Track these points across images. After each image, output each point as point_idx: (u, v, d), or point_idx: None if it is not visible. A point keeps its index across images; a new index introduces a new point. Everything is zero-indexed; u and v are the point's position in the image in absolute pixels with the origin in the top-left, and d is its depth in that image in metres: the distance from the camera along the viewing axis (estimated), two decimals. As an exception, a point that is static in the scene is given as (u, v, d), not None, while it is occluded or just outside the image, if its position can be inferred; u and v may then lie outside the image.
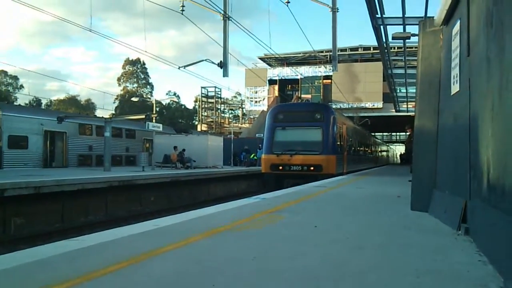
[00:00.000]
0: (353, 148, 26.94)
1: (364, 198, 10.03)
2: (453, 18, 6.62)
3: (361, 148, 32.17)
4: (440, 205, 6.65)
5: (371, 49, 52.65)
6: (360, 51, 56.14)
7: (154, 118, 32.24)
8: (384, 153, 57.00)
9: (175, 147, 27.77)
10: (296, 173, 19.01)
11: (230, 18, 17.10)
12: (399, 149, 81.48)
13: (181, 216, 6.61)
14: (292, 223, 6.22)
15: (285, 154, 19.44)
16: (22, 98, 68.59)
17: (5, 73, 72.48)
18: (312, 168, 18.94)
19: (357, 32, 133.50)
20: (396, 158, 76.18)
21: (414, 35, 13.94)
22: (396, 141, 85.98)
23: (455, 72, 6.18)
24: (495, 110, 4.08)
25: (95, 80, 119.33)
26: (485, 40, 4.52)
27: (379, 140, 54.30)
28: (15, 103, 60.24)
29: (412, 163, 8.46)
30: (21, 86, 74.27)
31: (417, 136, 8.00)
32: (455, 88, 6.16)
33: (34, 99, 70.87)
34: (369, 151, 38.22)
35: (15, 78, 73.61)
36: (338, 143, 20.90)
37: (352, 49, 56.47)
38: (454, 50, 6.29)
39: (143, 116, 28.25)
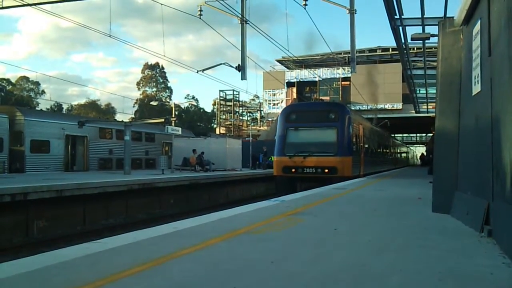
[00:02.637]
0: (370, 149, 25.92)
1: (384, 200, 9.94)
2: (473, 18, 6.53)
3: (379, 149, 30.95)
4: (462, 207, 6.55)
5: (390, 50, 52.21)
6: (379, 52, 55.72)
7: (173, 121, 32.47)
8: (404, 155, 56.30)
9: (194, 150, 27.90)
10: (309, 176, 18.15)
11: (248, 22, 17.12)
12: (420, 150, 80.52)
13: (200, 219, 6.63)
14: (312, 226, 6.19)
15: (298, 156, 18.46)
16: (43, 104, 69.80)
17: (26, 78, 73.78)
18: (326, 170, 18.02)
19: (376, 33, 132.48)
20: (416, 159, 75.26)
21: (433, 35, 13.79)
22: (416, 142, 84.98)
23: (476, 72, 6.09)
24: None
25: (114, 85, 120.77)
26: (507, 39, 4.44)
27: (398, 141, 53.66)
28: (36, 108, 61.28)
29: (433, 164, 8.34)
30: (43, 92, 75.53)
31: (438, 137, 7.90)
32: (476, 88, 6.07)
33: (56, 104, 71.99)
34: (387, 152, 36.92)
35: (37, 83, 74.85)
36: (354, 144, 19.92)
37: (370, 50, 56.09)
38: (475, 50, 6.20)
39: (163, 120, 28.47)
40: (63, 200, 14.89)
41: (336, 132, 18.51)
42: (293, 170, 18.48)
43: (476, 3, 6.27)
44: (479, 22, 5.96)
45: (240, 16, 17.25)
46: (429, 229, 5.91)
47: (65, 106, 77.12)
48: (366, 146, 23.87)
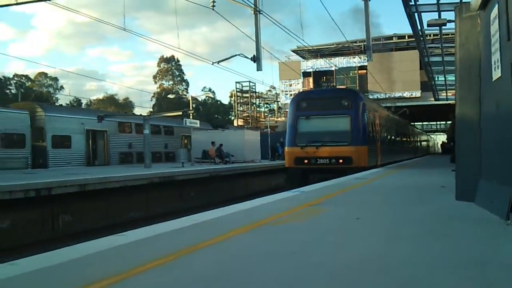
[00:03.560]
0: (388, 138, 24.83)
1: (406, 189, 9.90)
2: (490, 2, 6.42)
3: (397, 138, 29.76)
4: (487, 195, 6.50)
5: (406, 37, 51.50)
6: (395, 39, 55.00)
7: (191, 114, 32.64)
8: (424, 143, 55.62)
9: (212, 143, 28.06)
10: (323, 167, 17.20)
11: (261, 12, 17.07)
12: (440, 138, 79.59)
13: (219, 211, 6.70)
14: (334, 216, 6.22)
15: (310, 146, 17.50)
16: (62, 99, 70.70)
17: (45, 74, 74.79)
18: (341, 160, 17.08)
19: (391, 21, 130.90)
20: (437, 147, 74.41)
21: (450, 21, 13.62)
22: (437, 130, 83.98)
23: (495, 57, 6.01)
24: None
25: (131, 79, 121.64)
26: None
27: (418, 130, 53.00)
28: (56, 104, 62.13)
29: (455, 152, 8.27)
30: (61, 87, 76.59)
31: (459, 125, 7.82)
32: (496, 74, 5.99)
33: (75, 99, 72.85)
34: (406, 140, 35.75)
35: (55, 79, 75.86)
36: (370, 132, 18.90)
37: (386, 38, 55.39)
38: (493, 34, 6.11)
39: (181, 113, 28.66)
40: (87, 194, 15.16)
41: (350, 120, 17.61)
42: (306, 161, 17.63)
43: (495, -13, 6.17)
44: (496, 6, 5.87)
45: (253, 6, 17.19)
46: (453, 217, 5.89)
47: (84, 101, 78.04)
48: (383, 134, 22.95)
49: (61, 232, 14.14)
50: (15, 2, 20.40)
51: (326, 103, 18.55)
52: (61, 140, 25.43)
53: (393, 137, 27.48)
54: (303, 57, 59.89)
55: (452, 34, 12.93)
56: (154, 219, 15.97)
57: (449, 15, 13.38)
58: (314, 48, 49.95)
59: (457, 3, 12.01)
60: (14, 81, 70.68)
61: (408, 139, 37.57)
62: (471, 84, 7.38)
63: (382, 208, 6.96)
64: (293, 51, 60.16)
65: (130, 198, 17.28)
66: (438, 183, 10.56)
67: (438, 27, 15.58)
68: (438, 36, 19.68)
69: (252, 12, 17.94)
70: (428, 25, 14.70)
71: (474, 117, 7.27)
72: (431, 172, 16.35)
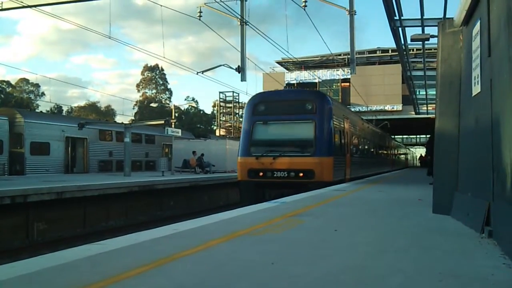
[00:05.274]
0: (360, 149, 22.51)
1: (384, 202, 9.95)
2: (473, 18, 6.54)
3: (372, 149, 27.46)
4: (463, 208, 6.56)
5: (390, 51, 52.23)
6: (379, 53, 55.74)
7: (173, 123, 32.48)
8: (402, 156, 56.08)
9: (193, 152, 27.92)
10: (280, 181, 14.97)
11: (247, 23, 17.16)
12: (419, 151, 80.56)
13: (200, 221, 6.63)
14: (312, 227, 6.19)
15: (266, 156, 15.22)
16: (43, 106, 69.80)
17: (26, 80, 73.83)
18: (301, 174, 14.89)
19: (375, 35, 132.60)
20: (416, 161, 75.27)
21: (433, 36, 13.79)
22: (416, 144, 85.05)
23: (476, 73, 6.10)
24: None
25: (115, 87, 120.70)
26: (506, 40, 4.45)
27: (397, 142, 53.35)
28: (36, 110, 61.26)
29: (434, 165, 8.35)
30: (43, 94, 75.57)
31: (438, 138, 7.90)
32: (476, 89, 6.08)
33: (56, 106, 71.99)
34: (383, 153, 34.09)
35: (37, 85, 74.88)
36: (338, 141, 16.65)
37: (370, 51, 56.10)
38: (474, 50, 6.21)
39: (162, 122, 28.51)
40: (64, 202, 14.89)
41: (314, 127, 15.28)
42: (261, 173, 15.31)
43: (476, 4, 6.28)
44: (478, 22, 5.97)
45: (239, 17, 17.28)
46: (429, 230, 5.92)
47: (65, 108, 77.13)
48: (355, 144, 20.69)
49: (36, 241, 13.85)
50: (0, 7, 20.27)
51: (288, 106, 16.10)
52: (40, 147, 25.06)
53: (367, 148, 25.39)
54: (287, 69, 60.24)
55: (434, 49, 13.11)
56: (133, 227, 15.79)
57: (432, 30, 13.57)
58: (298, 59, 50.33)
59: (441, 18, 12.24)
60: (-5, 87, 69.61)
61: (385, 151, 36.18)
62: (451, 98, 7.49)
63: (360, 221, 6.98)
64: (277, 62, 60.47)
65: (109, 207, 17.05)
66: (416, 196, 10.66)
67: (421, 42, 15.80)
68: (421, 51, 19.95)
69: (238, 23, 18.05)
70: (412, 40, 14.84)
71: (453, 131, 7.36)
72: (408, 185, 16.50)
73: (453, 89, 7.43)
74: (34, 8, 19.61)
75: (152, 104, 49.04)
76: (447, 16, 11.76)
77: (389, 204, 9.41)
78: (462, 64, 7.29)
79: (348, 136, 18.50)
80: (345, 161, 17.35)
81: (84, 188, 15.68)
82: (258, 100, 16.63)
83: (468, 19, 6.81)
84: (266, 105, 16.26)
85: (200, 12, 19.71)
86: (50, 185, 15.03)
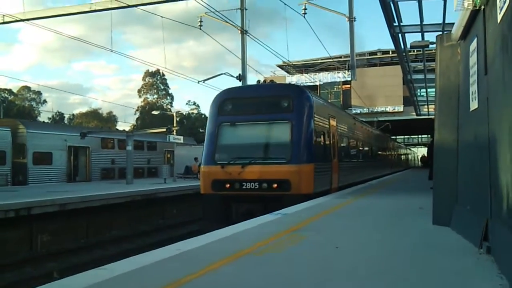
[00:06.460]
0: (352, 152, 20.29)
1: (386, 211, 10.01)
2: (470, 34, 6.60)
3: (367, 152, 25.16)
4: (462, 221, 6.62)
5: (390, 52, 52.31)
6: (379, 55, 55.88)
7: (174, 130, 32.61)
8: (404, 157, 55.90)
9: (195, 159, 27.98)
10: (251, 194, 12.56)
11: (248, 33, 17.27)
12: (421, 151, 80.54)
13: (203, 239, 6.68)
14: (314, 244, 6.27)
15: (234, 164, 12.83)
16: (45, 113, 70.09)
17: (28, 88, 74.15)
18: (275, 185, 12.43)
19: (376, 37, 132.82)
20: (418, 161, 75.21)
21: (432, 43, 13.85)
22: (418, 144, 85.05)
23: (473, 88, 6.16)
24: (511, 137, 4.08)
25: (116, 92, 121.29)
26: (501, 63, 4.52)
27: (397, 143, 53.03)
28: (38, 118, 61.55)
29: (433, 177, 8.41)
30: (44, 101, 75.94)
31: (438, 150, 7.96)
32: (473, 104, 6.14)
33: (57, 114, 72.24)
34: (381, 154, 32.14)
35: (38, 93, 75.23)
36: (321, 145, 14.35)
37: (370, 53, 56.22)
38: (472, 66, 6.27)
39: (164, 130, 28.63)
40: (67, 213, 15.01)
41: (290, 128, 12.89)
42: (227, 185, 12.85)
43: (472, 20, 6.34)
44: (475, 39, 6.03)
45: (240, 27, 17.39)
46: (429, 246, 5.99)
47: (66, 115, 77.43)
48: (345, 147, 18.46)
49: (39, 253, 13.95)
50: (2, 21, 20.50)
51: (259, 104, 13.70)
52: (42, 157, 25.23)
53: (361, 151, 23.16)
54: (288, 72, 60.32)
55: (435, 51, 13.18)
56: (136, 237, 15.92)
57: (432, 36, 13.59)
58: (299, 63, 50.46)
59: (440, 24, 12.31)
60: (-4, 95, 69.92)
61: (384, 153, 34.41)
62: (450, 111, 7.54)
63: (360, 235, 7.07)
64: (278, 66, 60.58)
65: (111, 216, 17.16)
66: (417, 203, 10.70)
67: (421, 48, 15.86)
68: (421, 52, 19.99)
69: (239, 32, 18.16)
70: (411, 47, 14.94)
71: (452, 144, 7.42)
72: (409, 190, 16.48)
73: (452, 102, 7.49)
74: (31, 22, 19.82)
75: (154, 112, 49.36)
76: (446, 22, 11.88)
77: (389, 215, 9.46)
78: (460, 77, 7.35)
79: (336, 138, 16.10)
80: (331, 168, 15.02)
81: (87, 199, 15.81)
82: (224, 97, 14.12)
83: (466, 34, 6.88)
84: (234, 103, 13.87)
85: (201, 21, 19.81)
86: (54, 196, 15.14)
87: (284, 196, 12.11)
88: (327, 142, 14.93)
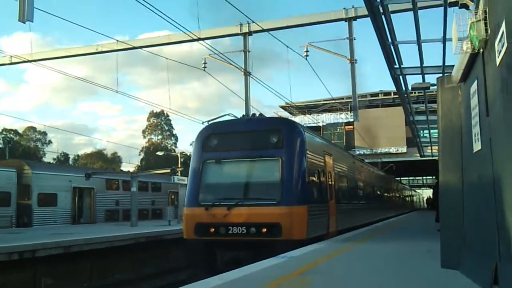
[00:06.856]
0: (351, 193, 18.97)
1: (392, 255, 9.90)
2: (470, 77, 6.73)
3: (369, 193, 23.81)
4: (471, 265, 6.55)
5: (392, 94, 52.84)
6: (381, 96, 56.42)
7: (179, 171, 32.70)
8: (408, 199, 55.43)
9: (200, 200, 27.96)
10: (237, 239, 11.26)
11: (251, 75, 17.60)
12: (427, 193, 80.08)
13: (206, 283, 6.60)
14: None
15: (219, 206, 11.57)
16: (50, 154, 70.56)
17: (34, 129, 74.93)
18: (264, 229, 11.13)
19: (377, 78, 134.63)
20: (423, 203, 74.66)
21: (433, 85, 14.08)
22: (423, 185, 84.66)
23: (476, 130, 6.23)
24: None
25: (121, 133, 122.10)
26: (502, 105, 4.60)
27: (401, 184, 52.65)
28: (43, 159, 61.85)
29: (440, 220, 8.38)
30: (50, 142, 76.58)
31: (443, 192, 7.95)
32: (477, 146, 6.19)
33: (62, 154, 72.67)
34: (384, 196, 30.92)
35: (44, 133, 75.96)
36: (316, 184, 13.17)
37: (372, 94, 56.80)
38: (473, 108, 6.36)
39: (169, 171, 28.71)
40: (71, 256, 14.91)
41: (280, 165, 11.67)
42: (212, 229, 11.52)
43: (472, 63, 6.48)
44: (476, 81, 6.15)
45: (243, 69, 17.75)
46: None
47: (71, 156, 77.85)
48: (343, 187, 17.25)
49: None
50: (10, 61, 21.05)
51: (247, 139, 12.54)
52: (47, 198, 25.28)
53: (362, 192, 21.86)
54: (291, 113, 60.85)
55: (436, 94, 13.38)
56: (140, 281, 15.71)
57: (433, 78, 13.82)
58: (302, 104, 51.00)
59: (440, 66, 12.55)
60: (2, 136, 70.61)
61: (387, 194, 33.18)
62: (453, 153, 7.57)
63: (368, 280, 6.97)
64: (281, 107, 61.15)
65: (115, 259, 17.00)
66: (424, 246, 10.59)
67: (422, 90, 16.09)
68: (423, 94, 20.28)
69: (242, 74, 18.53)
70: (412, 89, 15.16)
71: (457, 185, 7.41)
72: (416, 232, 16.31)
73: (455, 143, 7.53)
74: (40, 62, 20.32)
75: (158, 153, 49.78)
76: (446, 64, 12.12)
77: (397, 258, 9.35)
78: (462, 119, 7.43)
79: (333, 178, 14.92)
80: (327, 210, 13.62)
81: (91, 241, 15.73)
82: (209, 131, 12.92)
83: (466, 76, 7.00)
84: (220, 139, 12.66)
85: (205, 63, 20.23)
86: (58, 239, 15.10)
87: (275, 242, 10.85)
88: (323, 182, 13.72)
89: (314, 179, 12.96)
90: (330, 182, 14.38)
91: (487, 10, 5.24)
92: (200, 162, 12.41)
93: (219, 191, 12.12)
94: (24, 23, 12.65)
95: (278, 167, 11.62)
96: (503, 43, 4.35)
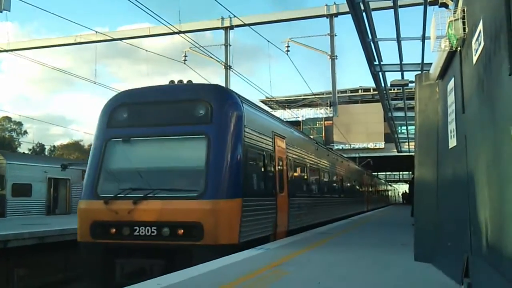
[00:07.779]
0: (311, 185, 16.35)
1: (369, 247, 10.04)
2: (447, 74, 6.84)
3: (336, 185, 21.44)
4: (443, 258, 6.68)
5: (371, 90, 53.36)
6: (361, 92, 56.99)
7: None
8: (384, 193, 56.05)
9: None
10: (145, 244, 8.57)
11: (231, 69, 17.57)
12: (403, 188, 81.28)
13: (184, 273, 6.59)
14: (297, 280, 6.25)
15: (123, 198, 8.78)
16: (26, 144, 69.32)
17: (9, 119, 73.41)
18: (181, 230, 8.41)
19: (357, 74, 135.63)
20: (399, 197, 75.77)
21: (411, 82, 14.29)
22: (399, 180, 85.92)
23: (451, 126, 6.34)
24: (489, 174, 4.20)
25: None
26: (478, 102, 4.69)
27: (377, 178, 53.07)
28: (18, 149, 60.73)
29: (414, 214, 8.52)
30: (25, 132, 75.14)
31: (418, 187, 8.09)
32: (452, 142, 6.31)
33: (38, 145, 71.43)
34: (355, 189, 29.26)
35: (19, 124, 74.50)
36: (259, 172, 10.60)
37: (352, 90, 57.34)
38: (450, 105, 6.47)
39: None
40: (45, 247, 14.67)
41: (207, 146, 8.88)
42: (113, 230, 8.76)
43: (450, 61, 6.58)
44: (453, 79, 6.25)
45: (223, 62, 17.71)
46: (411, 282, 6.03)
47: (47, 147, 76.59)
48: (300, 177, 14.79)
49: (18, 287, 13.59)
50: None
51: (165, 112, 9.64)
52: (22, 189, 24.79)
53: (325, 184, 19.10)
54: (271, 108, 60.95)
55: (414, 91, 13.54)
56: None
57: (411, 75, 14.02)
58: (282, 98, 51.11)
59: (419, 63, 12.70)
60: (-24, 125, 69.11)
61: (358, 188, 31.27)
62: (429, 149, 7.72)
63: (343, 271, 7.06)
64: (261, 101, 61.11)
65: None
66: (399, 239, 10.81)
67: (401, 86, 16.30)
68: (401, 90, 20.50)
69: (223, 68, 18.48)
70: (391, 85, 15.34)
71: (432, 180, 7.56)
72: (392, 225, 16.56)
73: (431, 139, 7.68)
74: (17, 52, 19.96)
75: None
76: (425, 61, 12.27)
77: (372, 251, 9.48)
78: (439, 115, 7.56)
79: (285, 165, 12.23)
80: (274, 205, 10.94)
81: (66, 232, 15.49)
82: (117, 102, 10.06)
83: (443, 74, 7.12)
84: (130, 111, 9.80)
85: (185, 56, 20.12)
86: (32, 229, 14.84)
87: (195, 248, 8.25)
88: (270, 170, 11.10)
89: (255, 165, 10.45)
90: (280, 171, 11.75)
91: (465, 9, 5.31)
92: (103, 141, 9.62)
93: (124, 178, 9.30)
94: (1, 12, 12.38)
95: (203, 148, 8.85)
96: (480, 42, 4.43)
